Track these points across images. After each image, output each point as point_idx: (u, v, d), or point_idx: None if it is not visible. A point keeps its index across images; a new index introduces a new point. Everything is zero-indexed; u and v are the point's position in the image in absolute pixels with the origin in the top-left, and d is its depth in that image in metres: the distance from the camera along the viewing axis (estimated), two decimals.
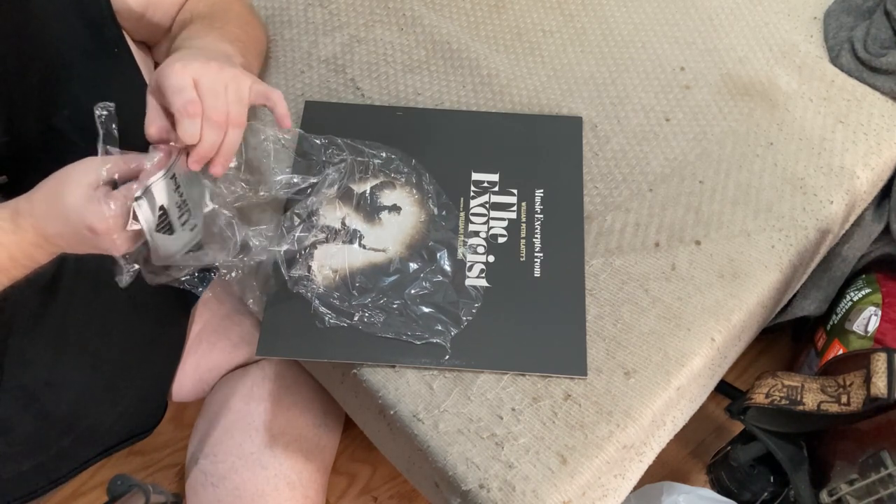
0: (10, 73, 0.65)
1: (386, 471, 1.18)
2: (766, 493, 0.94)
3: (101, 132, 0.57)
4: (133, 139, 0.61)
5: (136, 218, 0.57)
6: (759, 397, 0.83)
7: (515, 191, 0.78)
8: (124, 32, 0.74)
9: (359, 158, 0.78)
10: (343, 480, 1.18)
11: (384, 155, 0.78)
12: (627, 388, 0.68)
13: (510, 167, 0.79)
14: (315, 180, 0.71)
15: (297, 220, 0.72)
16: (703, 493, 0.92)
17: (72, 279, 0.72)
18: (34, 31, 0.66)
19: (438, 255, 0.73)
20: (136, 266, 0.60)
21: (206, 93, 0.57)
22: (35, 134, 0.68)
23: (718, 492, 1.01)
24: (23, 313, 0.70)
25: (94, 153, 0.59)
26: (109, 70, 0.72)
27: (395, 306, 0.70)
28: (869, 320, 0.96)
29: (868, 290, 0.99)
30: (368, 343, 0.69)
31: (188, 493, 0.87)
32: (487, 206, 0.77)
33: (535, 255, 0.74)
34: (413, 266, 0.73)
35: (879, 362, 0.74)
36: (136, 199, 0.56)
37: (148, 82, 0.76)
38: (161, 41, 0.82)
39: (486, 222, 0.75)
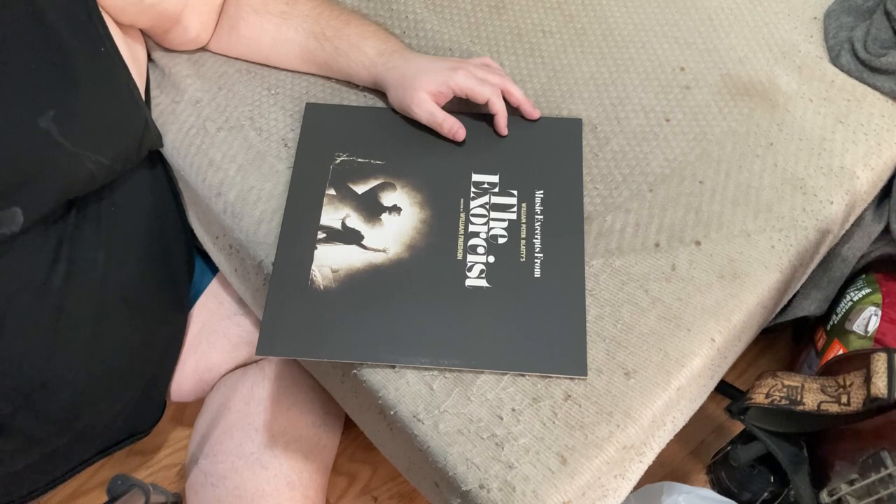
0: None
1: (386, 471, 1.18)
2: (766, 493, 0.94)
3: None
4: (115, 136, 0.61)
5: None
6: (759, 397, 0.83)
7: (515, 192, 0.78)
8: (116, 27, 0.74)
9: (359, 160, 0.78)
10: (343, 480, 1.18)
11: (388, 158, 0.79)
12: (627, 389, 0.68)
13: (510, 168, 0.79)
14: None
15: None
16: (703, 493, 0.92)
17: (64, 280, 0.72)
18: (12, 31, 0.66)
19: (441, 255, 0.73)
20: None
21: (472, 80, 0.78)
22: (20, 135, 0.67)
23: (718, 492, 1.01)
24: (15, 315, 0.70)
25: (81, 155, 0.59)
26: (96, 69, 0.72)
27: (394, 303, 0.70)
28: (869, 320, 0.96)
29: (868, 290, 0.99)
30: (368, 343, 0.69)
31: (188, 493, 0.88)
32: (487, 206, 0.77)
33: (536, 255, 0.74)
34: (414, 266, 0.73)
35: (879, 362, 0.74)
36: None
37: (135, 77, 0.76)
38: (172, 28, 0.82)
39: (487, 223, 0.75)
